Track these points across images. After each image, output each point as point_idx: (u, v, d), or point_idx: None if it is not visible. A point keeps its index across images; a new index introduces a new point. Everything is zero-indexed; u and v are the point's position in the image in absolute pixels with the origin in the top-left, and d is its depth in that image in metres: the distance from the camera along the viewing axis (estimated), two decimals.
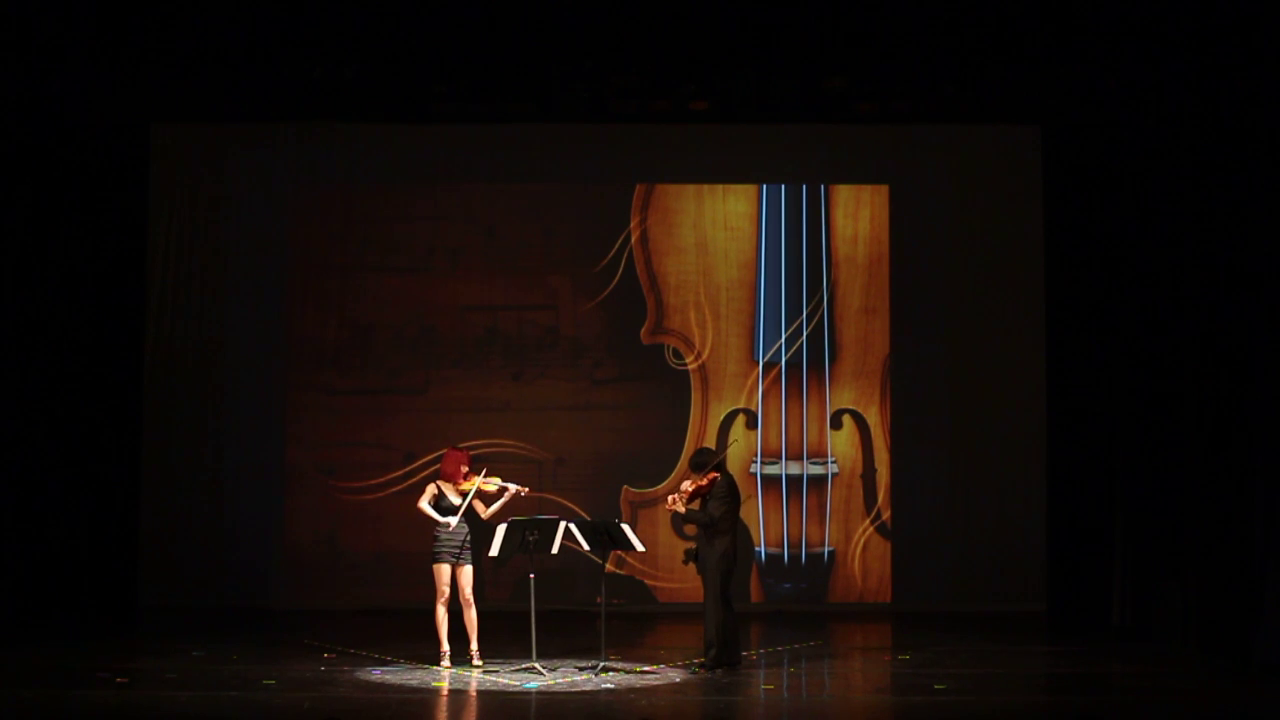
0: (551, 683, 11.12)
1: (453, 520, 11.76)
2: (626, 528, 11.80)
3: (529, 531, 11.56)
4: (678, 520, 11.82)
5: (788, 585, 15.97)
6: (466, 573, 11.80)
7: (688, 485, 11.74)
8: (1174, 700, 10.81)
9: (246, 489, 15.86)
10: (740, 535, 12.63)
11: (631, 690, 10.90)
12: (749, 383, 16.12)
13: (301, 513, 15.96)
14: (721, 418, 16.07)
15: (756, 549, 16.00)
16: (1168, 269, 13.45)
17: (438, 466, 12.16)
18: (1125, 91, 14.35)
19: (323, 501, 15.97)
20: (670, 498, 11.81)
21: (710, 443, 15.76)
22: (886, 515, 16.00)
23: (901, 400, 16.08)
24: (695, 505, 11.75)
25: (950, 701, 10.61)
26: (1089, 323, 15.17)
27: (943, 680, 11.34)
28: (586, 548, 11.91)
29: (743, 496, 15.57)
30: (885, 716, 10.60)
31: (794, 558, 15.99)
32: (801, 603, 15.87)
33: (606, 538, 11.80)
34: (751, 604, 15.86)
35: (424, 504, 11.88)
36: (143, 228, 15.90)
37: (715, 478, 11.74)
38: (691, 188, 16.24)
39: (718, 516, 11.67)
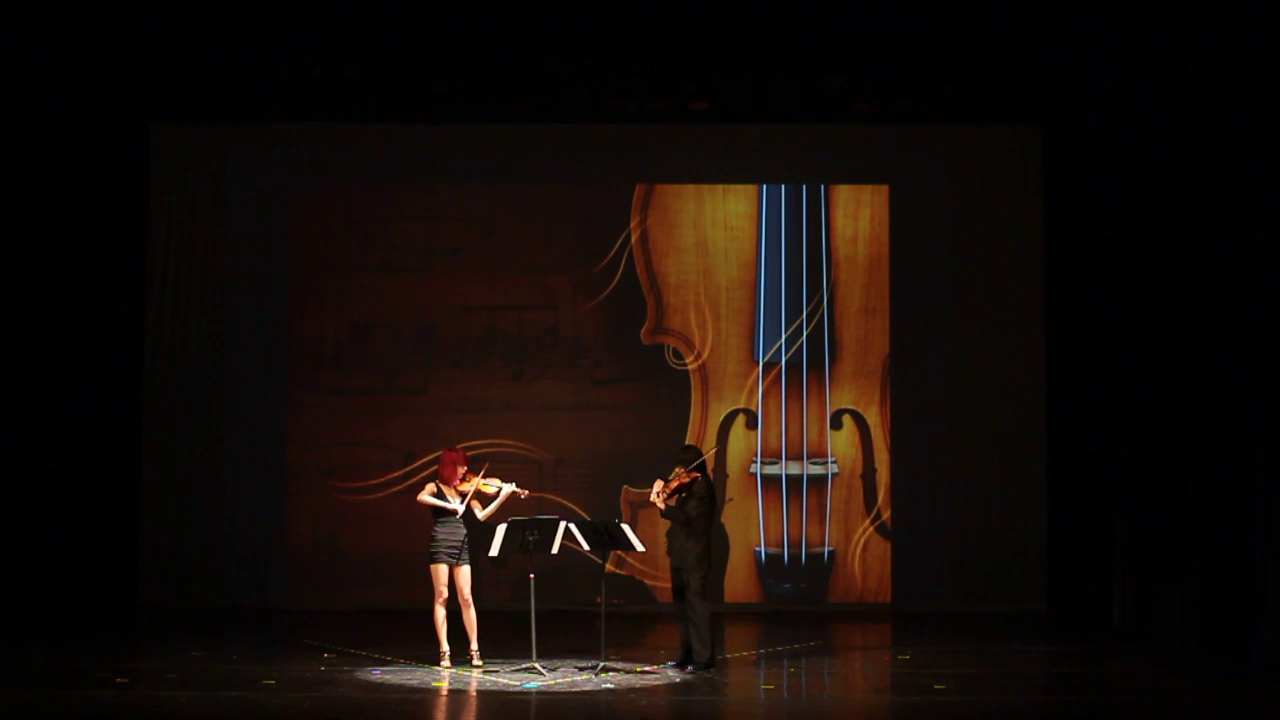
0: (551, 683, 11.12)
1: (458, 503, 11.73)
2: (626, 528, 11.80)
3: (529, 531, 11.56)
4: (663, 515, 11.86)
5: (788, 585, 15.97)
6: (464, 573, 11.79)
7: (671, 480, 11.75)
8: (1174, 700, 10.80)
9: (246, 489, 15.86)
10: (714, 539, 12.79)
11: (631, 690, 10.89)
12: (749, 383, 16.12)
13: (301, 513, 15.96)
14: (721, 418, 16.07)
15: (757, 549, 16.00)
16: (1167, 268, 13.45)
17: (435, 468, 12.16)
18: (1125, 91, 14.36)
19: (323, 501, 15.97)
20: (656, 488, 11.81)
21: (710, 443, 15.77)
22: (886, 515, 16.00)
23: (901, 400, 16.08)
24: (673, 501, 11.78)
25: (950, 701, 10.61)
26: (1089, 322, 15.19)
27: (943, 680, 11.34)
28: (586, 548, 11.91)
29: (724, 501, 15.67)
30: (885, 716, 10.60)
31: (794, 558, 15.99)
32: (801, 603, 15.87)
33: (606, 538, 11.80)
34: (751, 604, 15.89)
35: (425, 496, 11.83)
36: (143, 228, 15.92)
37: (697, 476, 11.78)
38: (691, 188, 16.24)
39: (694, 516, 11.70)
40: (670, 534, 11.88)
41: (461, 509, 11.76)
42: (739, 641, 13.59)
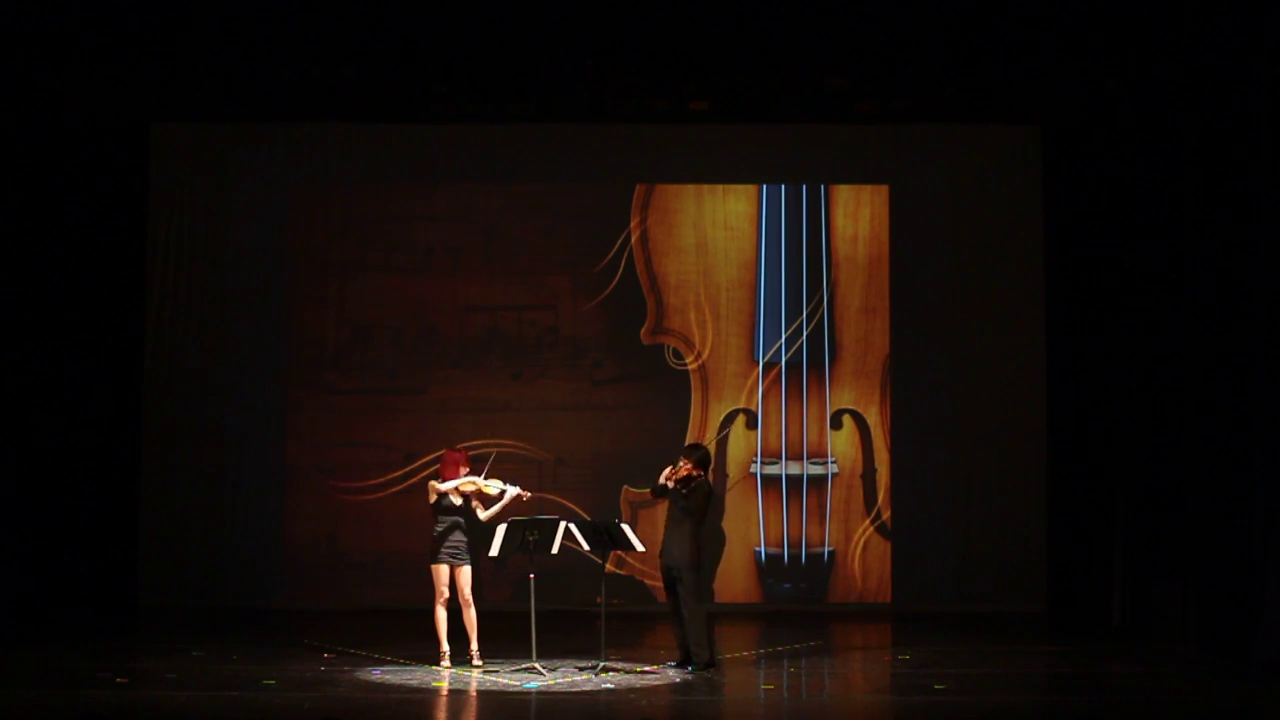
0: (551, 683, 11.12)
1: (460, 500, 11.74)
2: (626, 528, 11.80)
3: (529, 531, 11.56)
4: (659, 491, 11.91)
5: (788, 585, 15.97)
6: (465, 573, 11.79)
7: (678, 469, 11.81)
8: (1174, 700, 10.81)
9: (246, 489, 15.86)
10: (710, 539, 12.84)
11: (631, 690, 10.89)
12: (749, 383, 16.11)
13: (301, 513, 15.95)
14: (721, 418, 16.07)
15: (757, 549, 16.00)
16: (1167, 269, 13.45)
17: (436, 468, 12.16)
18: (1125, 91, 14.36)
19: (323, 501, 15.97)
20: (669, 470, 11.84)
21: (710, 444, 15.74)
22: (886, 515, 16.00)
23: (901, 400, 16.07)
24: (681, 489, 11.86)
25: (950, 701, 10.61)
26: (1089, 322, 15.20)
27: (943, 680, 11.34)
28: (586, 548, 11.91)
29: (723, 508, 15.72)
30: (885, 716, 10.60)
31: (794, 558, 15.99)
32: (801, 603, 15.87)
33: (606, 538, 11.81)
34: (751, 604, 15.89)
35: (443, 485, 11.78)
36: (143, 228, 15.92)
37: (701, 474, 11.82)
38: (691, 188, 16.24)
39: (694, 508, 11.72)
40: (665, 536, 11.89)
41: (482, 478, 11.74)
42: (739, 641, 13.59)
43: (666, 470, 11.89)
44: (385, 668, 11.79)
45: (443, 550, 11.77)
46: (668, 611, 12.08)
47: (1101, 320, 14.95)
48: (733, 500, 16.01)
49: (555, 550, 11.68)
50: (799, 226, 16.17)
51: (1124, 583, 14.43)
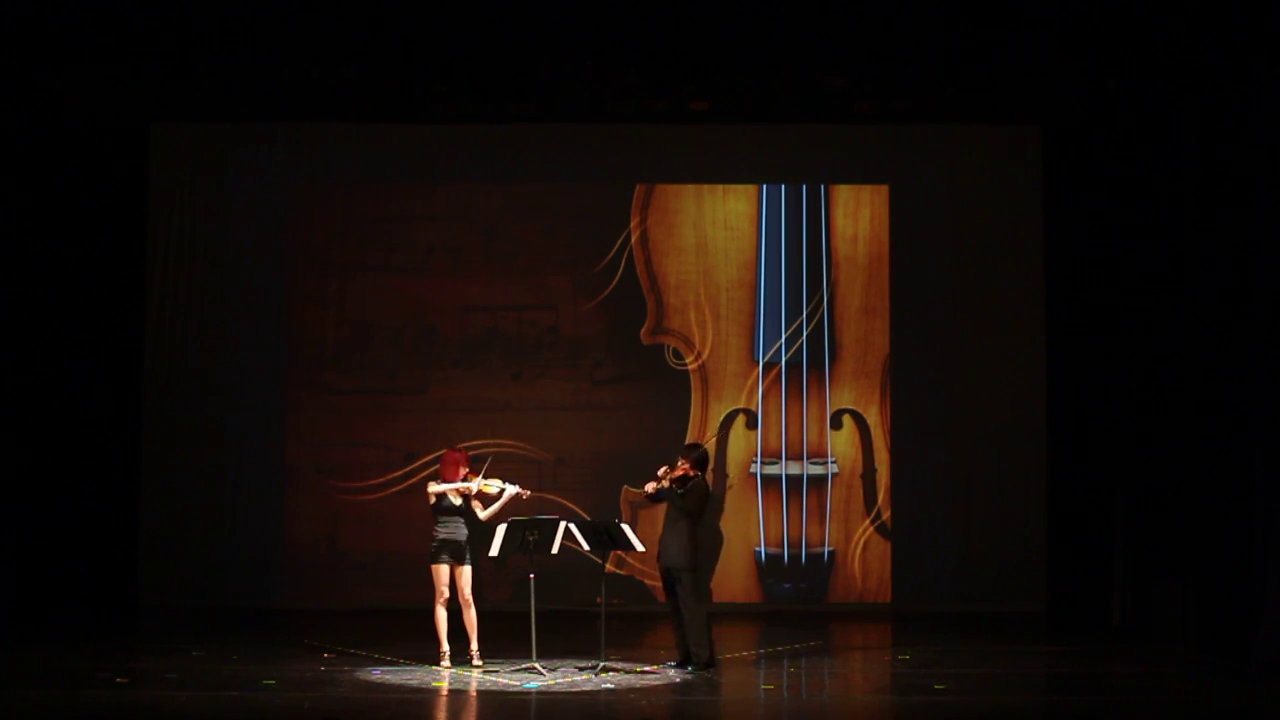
0: (551, 683, 11.12)
1: (471, 488, 11.73)
2: (626, 528, 11.80)
3: (529, 531, 11.56)
4: (653, 496, 11.92)
5: (788, 585, 15.97)
6: (465, 573, 11.79)
7: (676, 470, 11.81)
8: (1174, 700, 10.81)
9: (246, 489, 15.86)
10: (708, 539, 12.78)
11: (631, 690, 10.89)
12: (749, 383, 16.12)
13: (301, 513, 15.95)
14: (721, 418, 16.07)
15: (757, 549, 16.00)
16: (1167, 269, 13.46)
17: (436, 468, 12.16)
18: (1125, 91, 14.36)
19: (323, 501, 15.97)
20: (664, 469, 11.84)
21: (708, 443, 15.73)
22: (886, 515, 16.00)
23: (901, 400, 16.07)
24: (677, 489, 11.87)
25: (950, 701, 10.61)
26: (1089, 322, 15.20)
27: (943, 680, 11.34)
28: (586, 548, 11.91)
29: (723, 508, 15.72)
30: (885, 716, 10.60)
31: (794, 558, 15.99)
32: (801, 603, 15.87)
33: (606, 538, 11.81)
34: (751, 604, 15.89)
35: (438, 486, 11.78)
36: (143, 228, 15.92)
37: (699, 474, 11.83)
38: (691, 188, 16.24)
39: (691, 509, 11.72)
40: (662, 536, 11.89)
41: (475, 487, 11.74)
42: (739, 641, 13.58)
43: (662, 469, 11.89)
44: (385, 668, 11.79)
45: (443, 550, 11.77)
46: (668, 611, 12.08)
47: (1101, 320, 14.95)
48: (732, 500, 16.01)
49: (555, 550, 11.68)
50: (799, 226, 16.17)
51: (1124, 583, 14.43)
